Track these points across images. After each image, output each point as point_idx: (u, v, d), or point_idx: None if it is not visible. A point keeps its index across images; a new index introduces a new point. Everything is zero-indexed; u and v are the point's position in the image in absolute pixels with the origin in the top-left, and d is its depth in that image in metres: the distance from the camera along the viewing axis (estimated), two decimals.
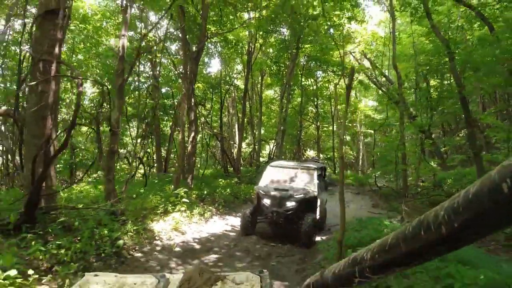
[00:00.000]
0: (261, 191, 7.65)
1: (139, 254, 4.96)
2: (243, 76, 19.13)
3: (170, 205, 7.27)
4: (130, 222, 5.65)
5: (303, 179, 8.19)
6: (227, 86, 19.11)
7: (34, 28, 5.64)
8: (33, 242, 3.95)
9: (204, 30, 11.15)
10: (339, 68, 20.54)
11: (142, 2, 11.10)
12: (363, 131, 33.02)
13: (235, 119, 25.76)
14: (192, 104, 11.76)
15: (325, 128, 28.37)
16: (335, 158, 30.28)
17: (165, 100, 17.97)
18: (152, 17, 16.28)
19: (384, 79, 21.74)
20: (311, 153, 32.57)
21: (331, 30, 18.19)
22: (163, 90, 18.06)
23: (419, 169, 14.54)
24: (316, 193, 7.54)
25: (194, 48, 12.21)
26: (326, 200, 9.24)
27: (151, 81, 16.08)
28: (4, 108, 10.38)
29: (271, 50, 20.47)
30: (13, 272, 3.22)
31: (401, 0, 14.25)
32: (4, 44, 10.82)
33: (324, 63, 20.83)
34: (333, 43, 18.76)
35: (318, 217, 7.36)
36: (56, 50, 4.91)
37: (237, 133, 23.06)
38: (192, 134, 11.72)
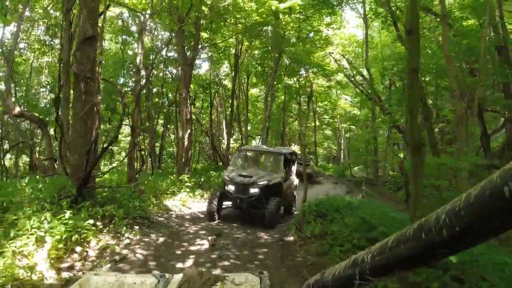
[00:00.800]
0: (226, 177, 7.73)
1: (162, 219, 6.78)
2: (231, 76, 20.90)
3: (176, 188, 9.06)
4: (149, 198, 7.44)
5: (270, 164, 8.42)
6: (216, 87, 20.78)
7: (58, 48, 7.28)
8: (89, 208, 5.70)
9: (197, 39, 12.86)
10: (319, 70, 22.53)
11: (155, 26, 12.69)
12: (344, 126, 35.39)
13: (222, 116, 27.48)
14: (188, 104, 13.48)
15: (308, 124, 30.55)
16: (317, 152, 32.56)
17: (157, 99, 19.51)
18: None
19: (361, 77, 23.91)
20: (295, 147, 34.71)
21: (311, 34, 20.13)
22: (154, 90, 19.58)
23: (387, 160, 16.61)
24: (280, 179, 7.66)
25: (188, 54, 13.91)
26: (296, 186, 9.46)
27: (146, 82, 17.61)
28: (18, 109, 11.81)
29: (256, 52, 22.26)
30: (90, 221, 4.99)
31: (372, 11, 16.34)
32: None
33: (305, 64, 22.81)
34: (312, 46, 20.73)
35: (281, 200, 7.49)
36: (96, 68, 6.60)
37: (225, 130, 24.81)
38: (188, 131, 13.46)
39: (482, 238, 0.53)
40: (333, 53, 24.56)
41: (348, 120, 31.03)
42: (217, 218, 7.43)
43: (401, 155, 19.98)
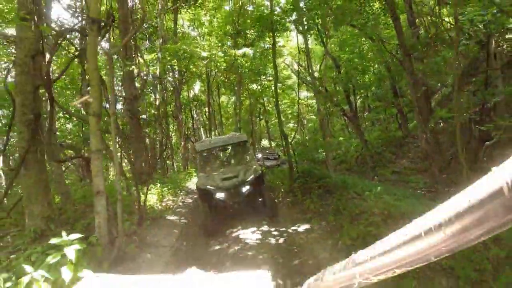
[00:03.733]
0: (210, 187, 7.39)
1: (190, 190, 12.38)
2: (205, 90, 26.40)
3: (188, 177, 14.61)
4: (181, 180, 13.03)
5: (239, 154, 8.64)
6: (194, 102, 26.31)
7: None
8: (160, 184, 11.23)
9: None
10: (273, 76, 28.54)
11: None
12: (307, 118, 41.98)
13: (199, 123, 32.93)
14: (180, 119, 18.99)
15: (272, 121, 36.70)
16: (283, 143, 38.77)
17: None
18: None
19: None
20: (265, 142, 40.84)
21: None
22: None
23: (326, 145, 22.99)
24: (260, 170, 7.76)
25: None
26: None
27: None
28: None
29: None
30: (165, 189, 10.57)
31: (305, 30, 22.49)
32: None
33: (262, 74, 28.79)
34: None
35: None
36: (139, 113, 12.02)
37: (203, 135, 30.32)
38: (183, 139, 18.97)
39: (482, 236, 0.53)
40: (284, 60, 30.82)
41: (309, 111, 37.56)
42: (214, 231, 7.19)
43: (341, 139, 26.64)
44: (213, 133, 29.25)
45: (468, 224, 0.52)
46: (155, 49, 14.63)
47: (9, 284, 3.01)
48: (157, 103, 13.58)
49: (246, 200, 7.44)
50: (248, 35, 20.41)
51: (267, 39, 23.55)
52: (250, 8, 23.65)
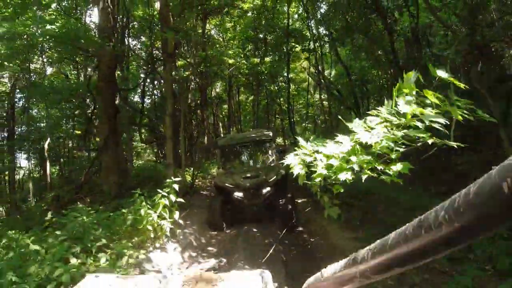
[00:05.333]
0: (228, 184, 7.17)
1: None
2: (226, 89, 29.12)
3: (211, 166, 17.28)
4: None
5: (262, 153, 8.14)
6: (216, 100, 29.06)
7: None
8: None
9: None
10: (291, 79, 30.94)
11: None
12: (321, 119, 44.14)
13: (219, 119, 35.79)
14: (205, 116, 21.70)
15: (287, 120, 39.08)
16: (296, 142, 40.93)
17: None
18: None
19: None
20: (280, 140, 43.26)
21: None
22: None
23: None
24: (284, 172, 7.05)
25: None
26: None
27: None
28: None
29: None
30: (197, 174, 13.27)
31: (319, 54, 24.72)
32: None
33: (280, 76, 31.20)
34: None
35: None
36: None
37: (221, 130, 33.12)
38: (206, 138, 21.66)
39: (481, 234, 0.54)
40: (301, 64, 33.11)
41: (324, 113, 39.77)
42: (225, 228, 7.14)
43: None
44: (231, 129, 31.93)
45: (468, 223, 0.52)
46: (187, 55, 17.31)
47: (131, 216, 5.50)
48: (190, 102, 16.26)
49: (265, 203, 7.06)
50: (268, 40, 22.81)
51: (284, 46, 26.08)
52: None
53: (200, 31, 21.25)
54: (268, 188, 7.03)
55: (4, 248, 4.03)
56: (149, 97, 23.37)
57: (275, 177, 7.15)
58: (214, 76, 19.89)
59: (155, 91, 23.17)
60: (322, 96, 41.16)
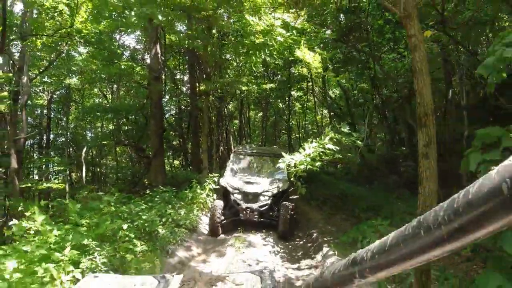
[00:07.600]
0: (231, 186, 7.63)
1: None
2: (237, 107, 33.11)
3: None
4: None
5: (272, 167, 8.40)
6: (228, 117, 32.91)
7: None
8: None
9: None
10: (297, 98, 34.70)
11: None
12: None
13: (230, 134, 39.70)
14: (219, 131, 25.45)
15: (293, 135, 42.70)
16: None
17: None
18: None
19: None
20: (286, 155, 46.59)
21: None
22: None
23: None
24: (288, 184, 7.45)
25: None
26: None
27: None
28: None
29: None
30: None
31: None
32: None
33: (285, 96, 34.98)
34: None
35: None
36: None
37: (232, 143, 36.98)
38: (222, 147, 25.33)
39: (481, 235, 0.53)
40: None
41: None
42: (220, 232, 7.47)
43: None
44: (241, 143, 35.69)
45: (467, 224, 0.53)
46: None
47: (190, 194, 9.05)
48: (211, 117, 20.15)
49: (263, 212, 7.48)
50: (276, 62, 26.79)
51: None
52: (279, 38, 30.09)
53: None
54: (267, 197, 7.52)
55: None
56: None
57: (276, 189, 7.69)
58: (230, 98, 23.67)
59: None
60: (325, 114, 45.09)
